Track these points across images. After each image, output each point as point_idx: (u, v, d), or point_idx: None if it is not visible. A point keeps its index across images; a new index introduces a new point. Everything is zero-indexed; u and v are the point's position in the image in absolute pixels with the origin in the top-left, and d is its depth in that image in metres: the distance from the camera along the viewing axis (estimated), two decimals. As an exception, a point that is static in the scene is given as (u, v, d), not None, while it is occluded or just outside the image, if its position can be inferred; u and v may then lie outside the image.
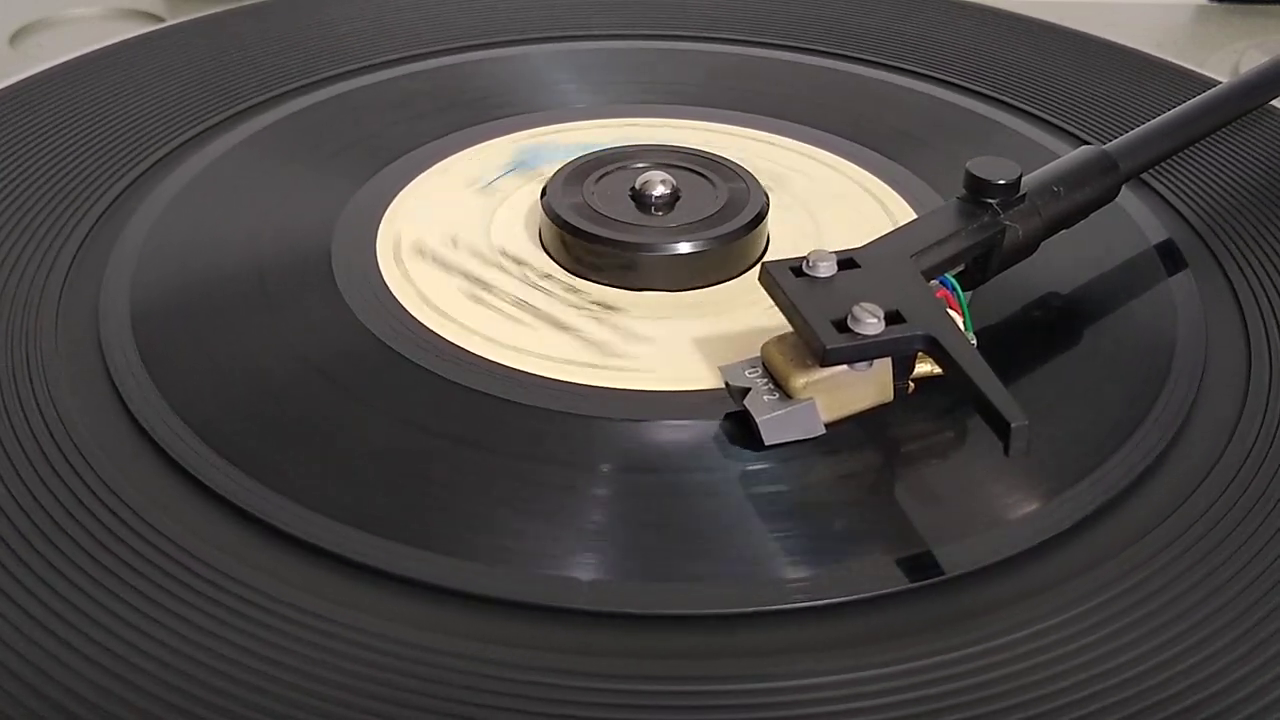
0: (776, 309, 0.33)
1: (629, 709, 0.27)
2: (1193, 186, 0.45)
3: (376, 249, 0.40)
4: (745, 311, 0.38)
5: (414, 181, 0.44)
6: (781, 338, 0.33)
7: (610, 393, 0.34)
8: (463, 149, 0.46)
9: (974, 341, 0.33)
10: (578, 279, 0.39)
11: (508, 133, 0.47)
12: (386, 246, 0.40)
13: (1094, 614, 0.29)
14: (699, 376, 0.35)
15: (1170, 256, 0.41)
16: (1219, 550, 0.30)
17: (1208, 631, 0.28)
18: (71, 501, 0.31)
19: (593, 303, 0.38)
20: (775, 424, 0.32)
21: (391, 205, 0.42)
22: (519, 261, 0.40)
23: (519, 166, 0.45)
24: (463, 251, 0.40)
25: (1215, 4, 0.67)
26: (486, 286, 0.38)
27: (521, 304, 0.38)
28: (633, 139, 0.44)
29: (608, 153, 0.42)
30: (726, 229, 0.39)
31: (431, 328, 0.37)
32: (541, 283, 0.39)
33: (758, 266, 0.34)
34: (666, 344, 0.36)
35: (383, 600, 0.29)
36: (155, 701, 0.26)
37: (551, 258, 0.40)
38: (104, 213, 0.42)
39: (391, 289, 0.38)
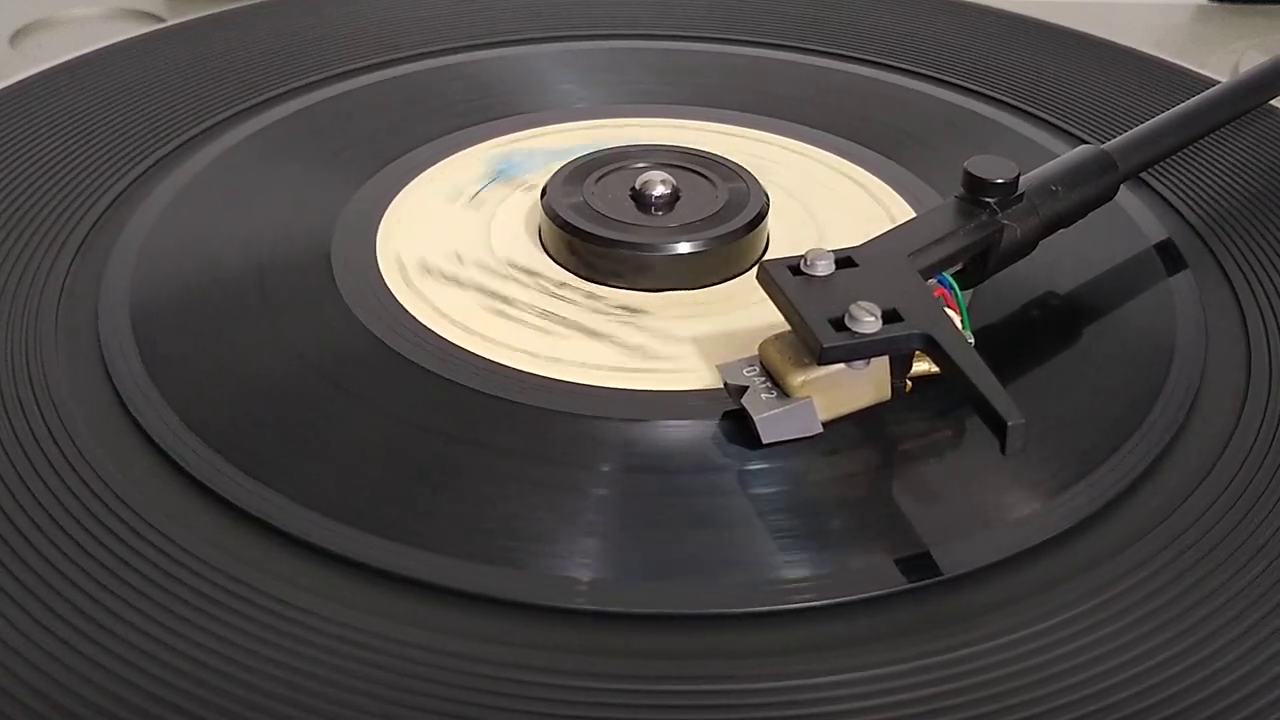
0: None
1: (629, 709, 0.27)
2: (1193, 186, 0.45)
3: (381, 269, 0.39)
4: (766, 304, 0.37)
5: (397, 197, 0.43)
6: (779, 336, 0.33)
7: (664, 395, 0.34)
8: (434, 163, 0.45)
9: (972, 340, 0.33)
10: (593, 285, 0.39)
11: (476, 142, 0.46)
12: (391, 268, 0.39)
13: (1093, 614, 0.29)
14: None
15: (1170, 256, 0.41)
16: (1218, 550, 0.30)
17: (1207, 631, 0.28)
18: (71, 501, 0.31)
19: (617, 307, 0.38)
20: (773, 422, 0.32)
21: (381, 225, 0.41)
22: (530, 272, 0.39)
23: (499, 177, 0.44)
24: (471, 267, 0.39)
25: (1215, 4, 0.67)
26: (506, 300, 0.38)
27: (548, 315, 0.37)
28: (606, 141, 0.44)
29: (603, 154, 0.42)
30: (739, 223, 0.39)
31: (467, 347, 0.36)
32: (559, 292, 0.39)
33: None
34: (703, 342, 0.36)
35: (383, 600, 0.29)
36: (153, 701, 0.26)
37: (560, 265, 0.39)
38: (104, 213, 0.42)
39: (415, 314, 0.37)
